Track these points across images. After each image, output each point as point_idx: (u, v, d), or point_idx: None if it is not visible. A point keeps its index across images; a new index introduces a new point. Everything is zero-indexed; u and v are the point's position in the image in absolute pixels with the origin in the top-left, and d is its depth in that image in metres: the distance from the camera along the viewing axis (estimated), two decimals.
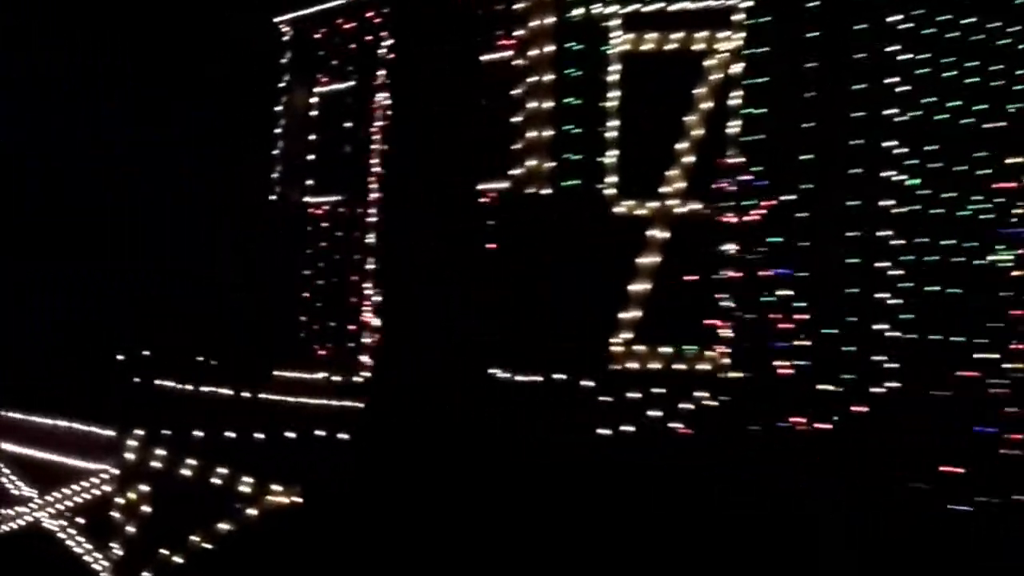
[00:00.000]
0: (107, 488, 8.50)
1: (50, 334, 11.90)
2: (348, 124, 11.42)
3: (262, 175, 11.88)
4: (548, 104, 9.23)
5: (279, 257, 11.80)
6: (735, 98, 8.71)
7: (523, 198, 9.13)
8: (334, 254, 11.44)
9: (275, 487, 8.32)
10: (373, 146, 11.05)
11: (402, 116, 10.00)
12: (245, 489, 8.34)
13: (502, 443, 8.36)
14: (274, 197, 11.90)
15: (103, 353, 11.47)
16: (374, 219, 10.95)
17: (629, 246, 8.87)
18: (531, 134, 9.27)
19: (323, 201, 11.67)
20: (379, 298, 10.14)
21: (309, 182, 11.79)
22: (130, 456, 8.32)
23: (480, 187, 9.43)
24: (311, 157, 11.79)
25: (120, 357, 11.49)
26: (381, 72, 11.02)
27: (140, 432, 8.30)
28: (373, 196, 11.00)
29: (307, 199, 11.76)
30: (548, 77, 9.25)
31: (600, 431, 8.20)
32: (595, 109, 9.11)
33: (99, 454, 8.56)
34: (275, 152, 11.92)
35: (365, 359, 10.77)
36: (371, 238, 10.94)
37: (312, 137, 11.79)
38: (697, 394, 8.28)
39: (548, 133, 9.21)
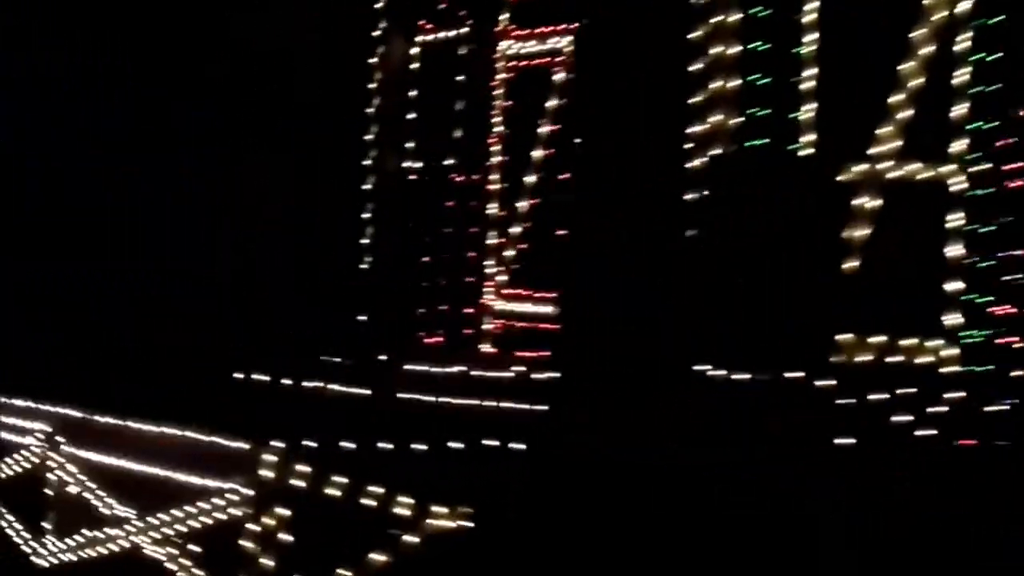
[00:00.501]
0: (235, 511, 7.09)
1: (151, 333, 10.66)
2: (460, 78, 9.99)
3: (356, 140, 10.47)
4: (734, 49, 7.97)
5: (379, 232, 10.41)
6: (962, 42, 7.41)
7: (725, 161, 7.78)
8: (445, 227, 10.03)
9: (438, 509, 7.10)
10: (494, 103, 9.68)
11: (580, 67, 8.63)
12: (403, 511, 7.11)
13: (710, 454, 7.01)
14: (369, 162, 10.49)
15: (205, 351, 10.16)
16: (496, 187, 9.62)
17: (852, 216, 7.53)
18: (713, 84, 7.99)
19: (428, 167, 10.24)
20: (560, 282, 8.71)
21: (410, 145, 10.35)
22: (267, 473, 6.92)
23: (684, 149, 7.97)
24: (412, 116, 10.34)
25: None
26: (504, 16, 9.63)
27: (279, 445, 6.90)
28: (495, 160, 9.66)
29: (408, 164, 10.34)
30: (733, 17, 7.98)
31: (839, 440, 6.81)
32: (788, 56, 7.80)
33: (225, 470, 7.16)
34: (370, 111, 10.48)
35: (487, 348, 9.48)
36: (492, 208, 9.64)
37: (413, 93, 10.34)
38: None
39: (733, 83, 7.93)
